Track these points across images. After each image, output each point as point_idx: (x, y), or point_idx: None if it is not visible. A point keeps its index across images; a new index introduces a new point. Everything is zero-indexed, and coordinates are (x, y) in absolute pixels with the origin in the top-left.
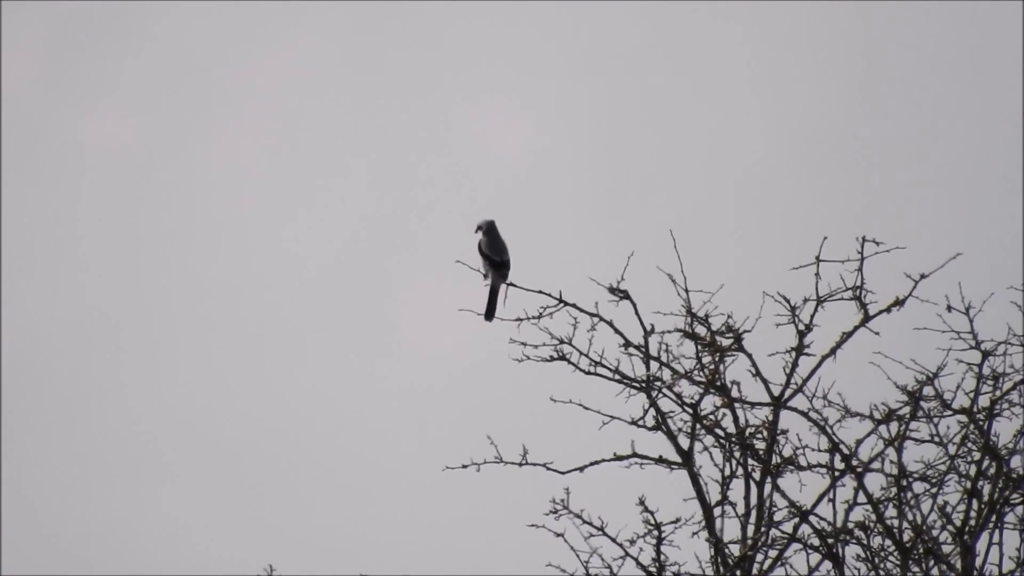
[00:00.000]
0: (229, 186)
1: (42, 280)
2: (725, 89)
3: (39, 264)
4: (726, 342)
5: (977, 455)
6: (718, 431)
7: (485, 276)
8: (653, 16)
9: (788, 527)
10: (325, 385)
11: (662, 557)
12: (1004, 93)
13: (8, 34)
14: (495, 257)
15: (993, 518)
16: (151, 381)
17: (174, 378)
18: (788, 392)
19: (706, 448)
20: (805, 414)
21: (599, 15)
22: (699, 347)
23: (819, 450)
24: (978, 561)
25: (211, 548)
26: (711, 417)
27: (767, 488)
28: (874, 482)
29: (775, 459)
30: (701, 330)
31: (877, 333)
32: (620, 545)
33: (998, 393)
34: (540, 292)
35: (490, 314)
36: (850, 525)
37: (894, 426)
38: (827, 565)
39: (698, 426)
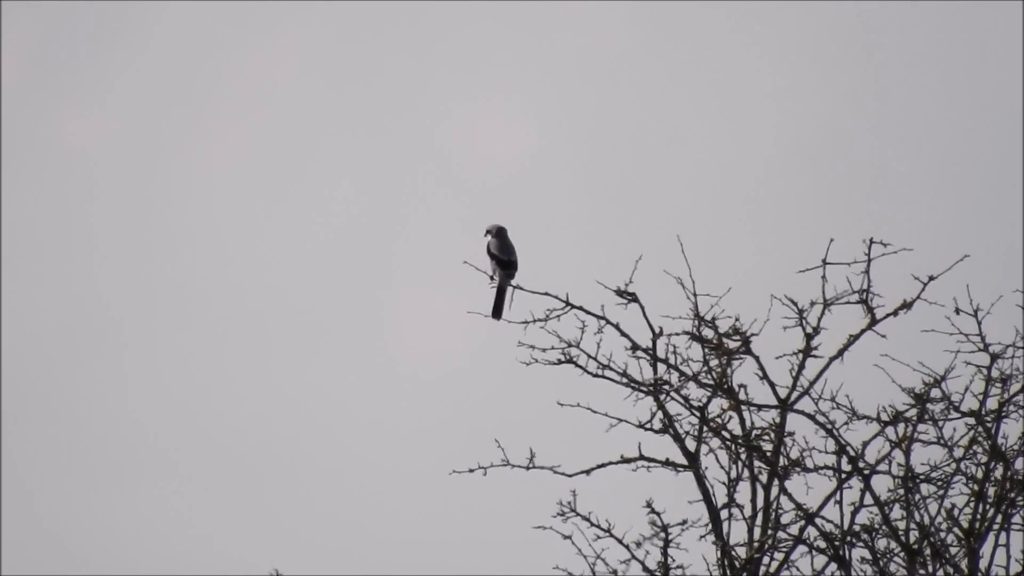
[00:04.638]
0: (227, 186)
1: (42, 279)
2: (731, 91)
3: (38, 263)
4: (733, 345)
5: (984, 457)
6: (725, 433)
7: (492, 277)
8: (653, 17)
9: (794, 529)
10: (330, 385)
11: (669, 559)
12: (1009, 94)
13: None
14: (503, 257)
15: (1000, 520)
16: (151, 380)
17: (174, 377)
18: (795, 395)
19: (712, 451)
20: (812, 416)
21: (603, 16)
22: (706, 350)
23: (826, 452)
24: (984, 563)
25: (212, 547)
26: (718, 420)
27: (774, 490)
28: (881, 484)
29: (782, 461)
30: (709, 333)
31: (884, 336)
32: (627, 547)
33: (1006, 395)
34: (547, 294)
35: (497, 313)
36: (856, 527)
37: (901, 428)
38: (833, 567)
39: (705, 429)
